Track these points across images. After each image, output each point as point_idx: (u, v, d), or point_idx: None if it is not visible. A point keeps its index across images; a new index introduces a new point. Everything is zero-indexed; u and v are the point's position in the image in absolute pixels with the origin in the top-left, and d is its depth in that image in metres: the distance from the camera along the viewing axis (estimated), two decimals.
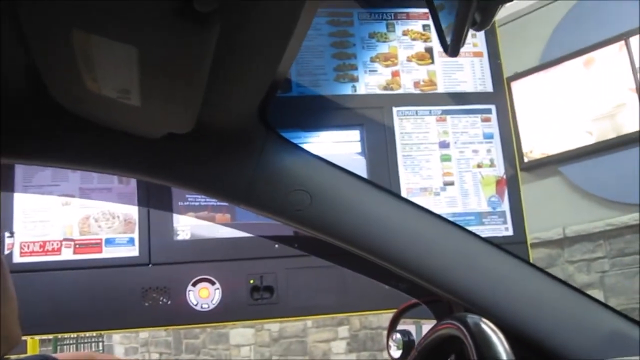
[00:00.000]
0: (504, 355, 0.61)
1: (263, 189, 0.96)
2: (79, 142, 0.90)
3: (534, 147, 4.72)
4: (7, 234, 1.63)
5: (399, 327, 1.49)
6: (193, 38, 0.64)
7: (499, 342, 0.62)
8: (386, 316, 5.57)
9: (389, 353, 1.48)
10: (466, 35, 0.69)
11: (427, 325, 1.59)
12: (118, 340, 7.65)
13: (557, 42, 4.60)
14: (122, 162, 0.92)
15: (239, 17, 0.67)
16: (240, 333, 6.69)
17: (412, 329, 1.49)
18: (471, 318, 0.68)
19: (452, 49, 0.68)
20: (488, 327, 0.65)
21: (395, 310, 1.87)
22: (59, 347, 8.72)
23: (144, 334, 7.96)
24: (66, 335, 7.51)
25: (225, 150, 0.93)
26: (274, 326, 6.35)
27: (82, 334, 7.67)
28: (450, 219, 1.11)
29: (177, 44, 0.65)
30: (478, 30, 0.65)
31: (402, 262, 1.02)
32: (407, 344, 1.42)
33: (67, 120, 0.88)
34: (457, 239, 1.04)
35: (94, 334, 8.11)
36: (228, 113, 0.87)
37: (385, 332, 5.27)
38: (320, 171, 0.99)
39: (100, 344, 9.29)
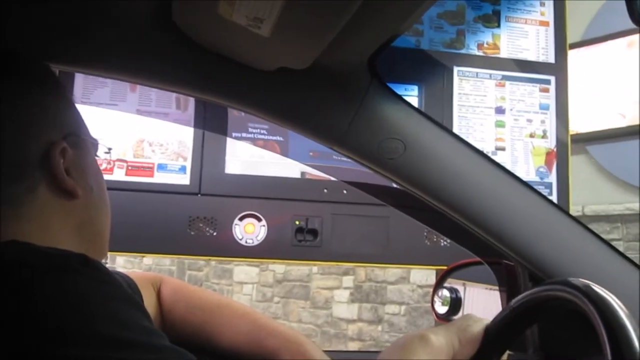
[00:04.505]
0: (630, 327, 0.63)
1: (359, 134, 0.96)
2: (191, 67, 0.90)
3: None
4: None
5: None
6: None
7: (624, 314, 0.64)
8: (392, 271, 5.61)
9: (432, 308, 1.51)
10: None
11: (473, 288, 1.62)
12: (121, 264, 7.74)
13: (603, 20, 4.53)
14: (230, 90, 0.92)
15: None
16: (244, 271, 6.77)
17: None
18: (587, 285, 0.69)
19: None
20: (610, 298, 0.66)
21: (436, 267, 1.91)
22: None
23: (148, 260, 8.06)
24: None
25: (331, 91, 0.93)
26: (278, 267, 6.42)
27: None
28: None
29: None
30: None
31: (482, 222, 1.04)
32: (454, 301, 1.45)
33: (184, 45, 0.88)
34: (538, 207, 1.06)
35: None
36: (344, 55, 0.87)
37: (389, 287, 5.33)
38: (418, 123, 0.99)
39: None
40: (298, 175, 1.82)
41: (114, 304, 0.61)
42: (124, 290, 0.65)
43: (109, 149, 1.65)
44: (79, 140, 0.82)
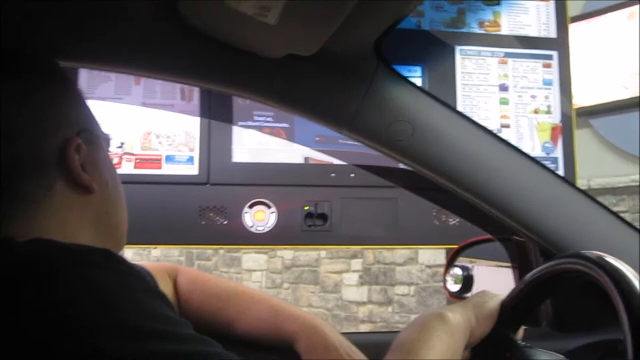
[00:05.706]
0: None
1: (368, 117, 0.97)
2: (198, 57, 0.91)
3: None
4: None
5: None
6: None
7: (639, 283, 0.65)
8: (400, 252, 5.61)
9: (445, 287, 1.52)
10: None
11: (480, 266, 1.63)
12: (130, 257, 7.73)
13: None
14: (237, 79, 0.93)
15: None
16: (252, 258, 6.80)
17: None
18: (601, 256, 0.70)
19: None
20: (625, 268, 0.67)
21: (446, 247, 1.92)
22: None
23: (156, 252, 8.08)
24: None
25: (338, 75, 0.94)
26: (287, 253, 6.45)
27: None
28: None
29: None
30: None
31: (492, 199, 1.05)
32: (466, 279, 1.46)
33: (190, 35, 0.88)
34: (548, 182, 1.07)
35: None
36: (350, 40, 0.88)
37: (398, 268, 5.34)
38: (425, 104, 1.00)
39: None
40: (301, 161, 1.83)
41: (139, 295, 0.63)
42: (147, 282, 0.66)
43: (122, 143, 1.67)
44: (92, 136, 0.82)
